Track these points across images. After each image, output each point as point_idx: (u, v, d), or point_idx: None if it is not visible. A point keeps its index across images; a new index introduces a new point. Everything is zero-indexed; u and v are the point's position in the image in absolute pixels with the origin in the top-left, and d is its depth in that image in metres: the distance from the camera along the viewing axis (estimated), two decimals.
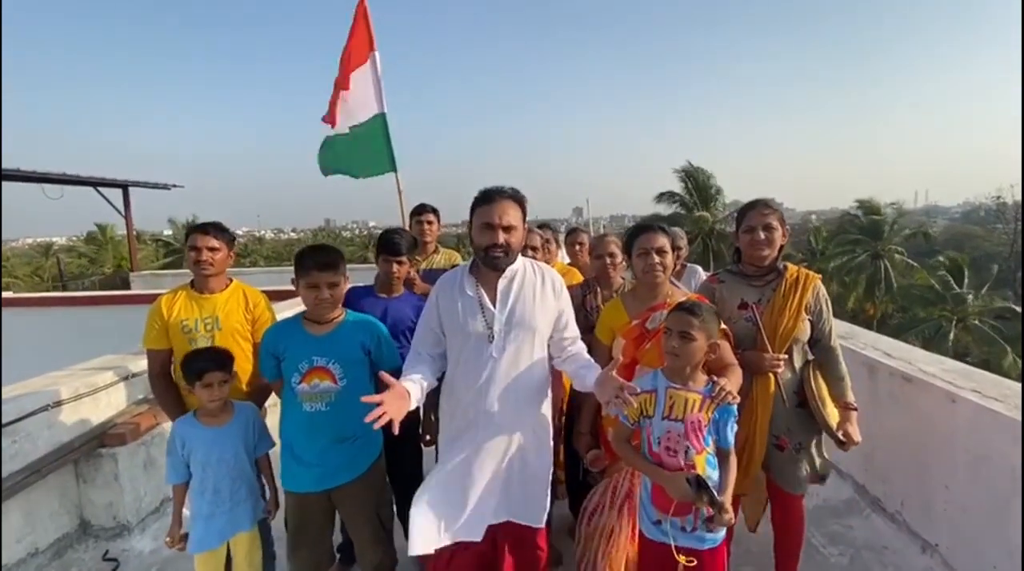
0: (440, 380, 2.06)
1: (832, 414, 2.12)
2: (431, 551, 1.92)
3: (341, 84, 4.27)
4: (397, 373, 2.23)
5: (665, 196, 25.94)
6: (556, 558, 2.63)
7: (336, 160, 4.40)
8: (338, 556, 2.58)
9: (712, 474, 1.76)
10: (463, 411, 1.97)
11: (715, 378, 1.82)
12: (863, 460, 3.13)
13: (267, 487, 2.27)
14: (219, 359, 2.12)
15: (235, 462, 2.12)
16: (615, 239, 2.63)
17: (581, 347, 2.04)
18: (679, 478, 1.70)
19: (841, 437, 2.09)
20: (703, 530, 1.76)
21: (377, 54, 4.06)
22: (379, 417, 1.62)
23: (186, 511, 2.13)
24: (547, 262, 3.02)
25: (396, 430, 1.65)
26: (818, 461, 2.20)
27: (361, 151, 4.21)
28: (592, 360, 1.96)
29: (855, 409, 2.15)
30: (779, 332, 2.10)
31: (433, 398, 2.43)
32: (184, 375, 2.11)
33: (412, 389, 1.79)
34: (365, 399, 1.63)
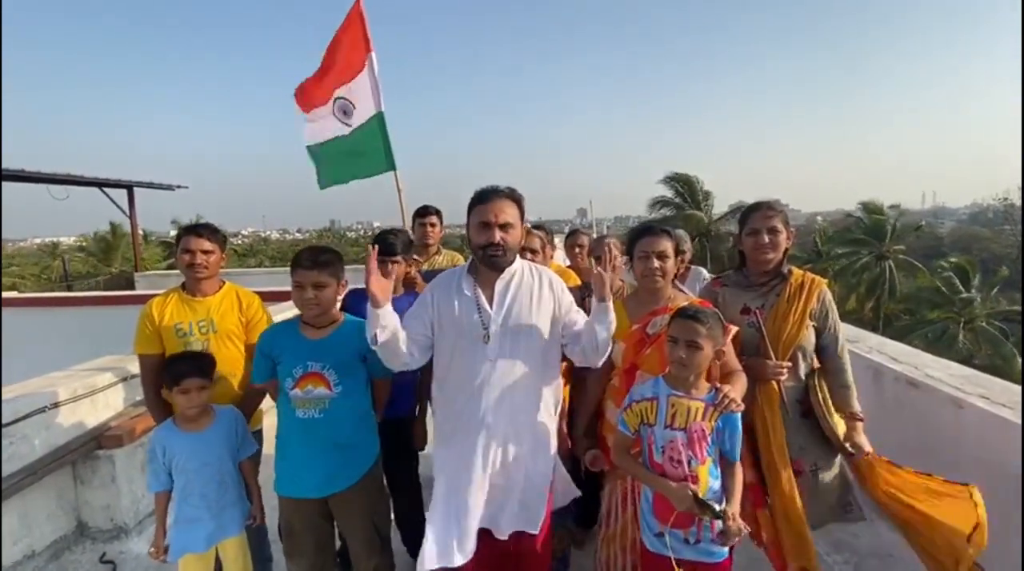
0: (432, 382, 2.04)
1: (838, 424, 2.08)
2: (441, 565, 1.86)
3: (331, 85, 4.19)
4: (392, 381, 2.20)
5: (659, 202, 26.67)
6: (556, 566, 2.60)
7: (334, 170, 4.35)
8: (337, 560, 2.55)
9: (713, 484, 1.72)
10: (456, 413, 1.94)
11: (718, 385, 1.78)
12: None
13: (252, 492, 2.24)
14: (200, 365, 2.09)
15: (219, 466, 2.09)
16: (614, 241, 2.60)
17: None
18: (683, 489, 1.66)
19: (850, 449, 2.04)
20: (708, 543, 1.72)
21: (374, 55, 4.02)
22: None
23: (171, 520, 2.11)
24: (543, 264, 3.00)
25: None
26: (841, 484, 2.11)
27: (358, 152, 4.16)
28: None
29: (861, 420, 2.09)
30: (782, 339, 2.05)
31: (424, 406, 2.42)
32: (164, 379, 2.08)
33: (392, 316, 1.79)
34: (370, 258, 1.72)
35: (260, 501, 2.26)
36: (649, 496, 1.82)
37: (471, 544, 1.90)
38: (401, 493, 2.53)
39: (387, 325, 1.77)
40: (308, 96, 4.36)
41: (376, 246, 2.49)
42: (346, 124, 4.23)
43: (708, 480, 1.71)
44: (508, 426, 1.90)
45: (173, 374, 2.04)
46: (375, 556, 2.13)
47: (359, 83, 4.08)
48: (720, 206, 26.35)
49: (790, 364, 2.05)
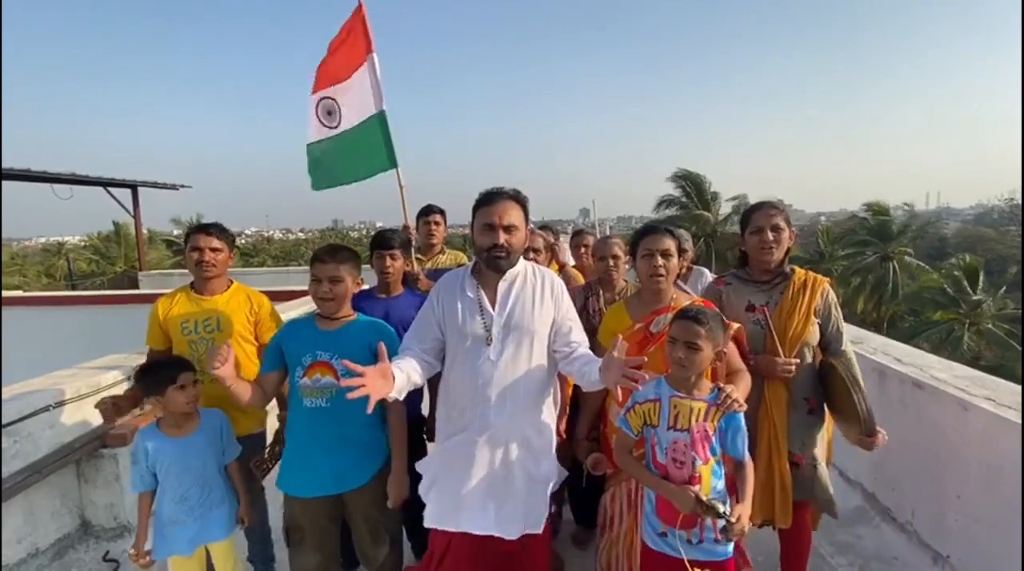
0: (435, 380, 2.04)
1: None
2: (440, 527, 1.96)
3: (329, 81, 4.04)
4: None
5: (665, 201, 26.05)
6: (558, 565, 2.59)
7: (328, 171, 4.21)
8: (340, 561, 2.55)
9: (717, 483, 1.72)
10: (459, 413, 1.95)
11: (720, 385, 1.78)
12: (873, 468, 3.07)
13: (240, 494, 2.24)
14: (183, 361, 2.13)
15: (203, 470, 2.09)
16: (618, 241, 2.60)
17: (586, 349, 2.00)
18: (685, 491, 1.66)
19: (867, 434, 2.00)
20: (710, 543, 1.72)
21: (375, 55, 3.97)
22: (358, 388, 1.56)
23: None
24: (553, 264, 3.00)
25: (370, 409, 1.59)
26: (822, 482, 2.13)
27: (355, 152, 4.06)
28: (594, 356, 1.90)
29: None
30: (789, 335, 2.06)
31: (435, 400, 2.41)
32: (149, 385, 2.05)
33: (397, 375, 1.73)
34: (346, 363, 1.59)
35: (248, 503, 2.26)
36: (652, 497, 1.82)
37: (463, 522, 1.93)
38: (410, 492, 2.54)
39: (400, 384, 1.75)
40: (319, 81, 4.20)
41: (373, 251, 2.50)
42: (329, 127, 4.09)
43: (711, 480, 1.71)
44: (510, 427, 1.91)
45: (169, 375, 2.03)
46: (383, 549, 2.14)
47: (352, 84, 3.97)
48: (725, 207, 25.73)
49: (799, 361, 2.06)
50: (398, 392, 1.73)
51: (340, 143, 4.02)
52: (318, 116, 4.06)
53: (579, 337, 2.00)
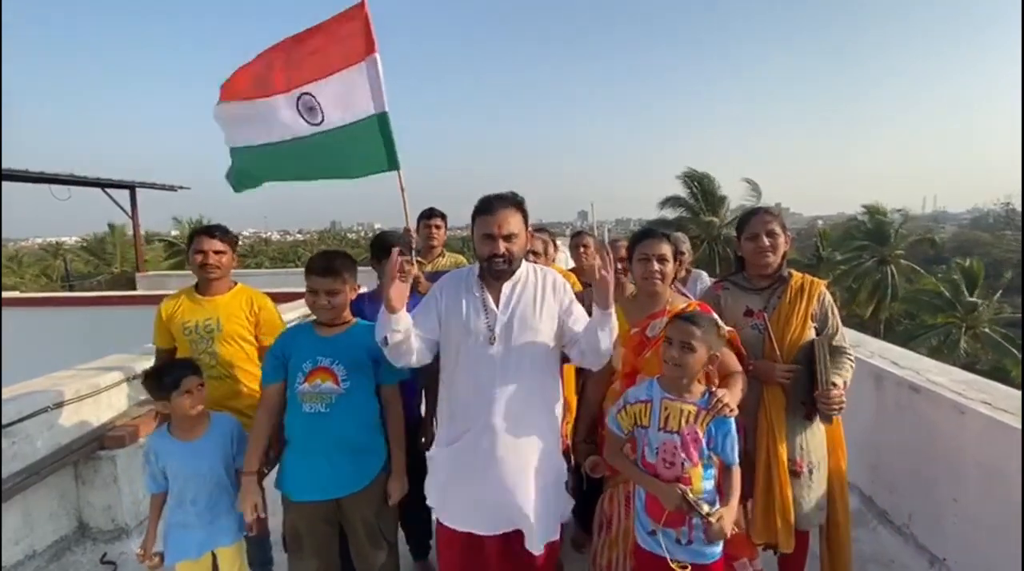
0: (432, 383, 2.05)
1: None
2: (452, 527, 1.97)
3: (302, 77, 3.85)
4: (403, 385, 2.20)
5: (670, 201, 25.25)
6: (558, 568, 2.59)
7: (305, 166, 4.01)
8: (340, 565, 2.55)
9: (706, 485, 1.74)
10: (462, 412, 1.95)
11: (712, 389, 1.80)
12: (870, 471, 3.08)
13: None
14: (189, 365, 2.10)
15: (211, 475, 2.08)
16: (625, 244, 2.61)
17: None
18: (672, 488, 1.69)
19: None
20: (699, 544, 1.73)
21: (378, 55, 3.90)
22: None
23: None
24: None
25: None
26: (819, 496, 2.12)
27: (346, 150, 3.93)
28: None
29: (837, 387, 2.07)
30: (787, 340, 2.07)
31: (432, 403, 2.41)
32: (154, 389, 2.04)
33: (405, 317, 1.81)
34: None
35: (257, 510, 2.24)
36: (642, 495, 1.84)
37: (472, 522, 1.95)
38: (407, 494, 2.54)
39: (399, 329, 1.79)
40: (261, 77, 3.72)
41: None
42: (311, 123, 3.69)
43: (700, 482, 1.73)
44: (515, 425, 1.90)
45: (173, 380, 2.02)
46: (380, 555, 2.13)
47: (340, 80, 3.82)
48: (736, 188, 24.69)
49: (799, 367, 2.06)
50: (401, 336, 1.80)
51: (328, 140, 3.88)
52: (299, 110, 3.88)
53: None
